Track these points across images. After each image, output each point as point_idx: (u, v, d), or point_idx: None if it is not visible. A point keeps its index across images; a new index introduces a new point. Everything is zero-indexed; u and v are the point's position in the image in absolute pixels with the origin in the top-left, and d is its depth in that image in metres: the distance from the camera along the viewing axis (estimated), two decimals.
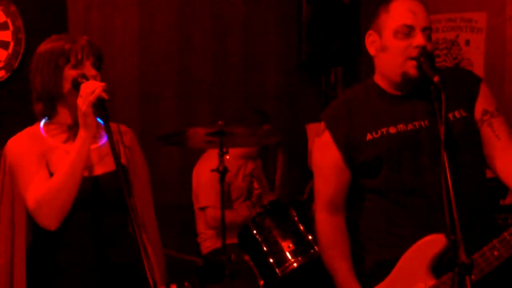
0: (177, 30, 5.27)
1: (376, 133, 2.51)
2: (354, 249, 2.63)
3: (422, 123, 2.47)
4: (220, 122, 3.89)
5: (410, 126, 2.48)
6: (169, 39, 5.24)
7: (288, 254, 3.61)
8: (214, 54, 5.49)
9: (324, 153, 2.61)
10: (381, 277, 2.51)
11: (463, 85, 2.55)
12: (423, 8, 2.49)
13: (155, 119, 5.13)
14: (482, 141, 2.52)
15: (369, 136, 2.52)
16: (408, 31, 2.44)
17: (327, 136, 2.59)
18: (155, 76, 5.17)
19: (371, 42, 2.54)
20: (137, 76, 5.09)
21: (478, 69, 5.37)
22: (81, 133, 2.42)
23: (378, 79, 2.57)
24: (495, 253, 2.30)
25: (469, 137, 2.48)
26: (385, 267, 2.49)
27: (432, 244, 2.39)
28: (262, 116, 4.61)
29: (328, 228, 2.65)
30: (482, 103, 2.52)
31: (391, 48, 2.47)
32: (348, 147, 2.55)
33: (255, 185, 4.58)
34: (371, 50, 2.55)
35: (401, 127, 2.49)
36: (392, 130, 2.50)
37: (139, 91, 5.09)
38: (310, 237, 3.65)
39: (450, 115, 2.47)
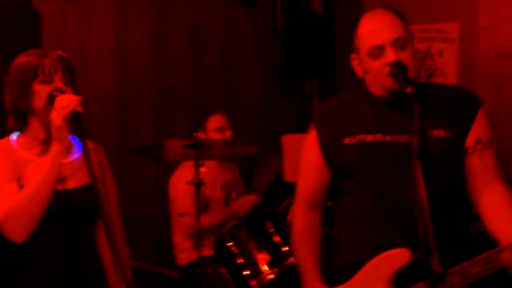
0: (154, 42, 5.27)
1: (354, 139, 2.54)
2: (326, 247, 2.67)
3: (402, 137, 2.48)
4: (195, 134, 3.91)
5: (388, 138, 2.50)
6: (145, 51, 5.23)
7: (264, 265, 3.62)
8: (191, 65, 5.49)
9: (308, 151, 2.68)
10: (343, 280, 2.53)
11: (460, 105, 2.54)
12: (390, 19, 2.50)
13: (132, 131, 5.11)
14: (467, 169, 2.50)
15: (346, 140, 2.55)
16: (378, 51, 2.46)
17: (312, 135, 2.65)
18: (132, 88, 5.16)
19: (357, 65, 2.58)
20: (114, 88, 5.07)
21: (451, 80, 5.42)
22: (55, 146, 2.40)
23: (371, 90, 2.60)
24: (476, 269, 2.31)
25: (448, 157, 2.47)
26: (349, 271, 2.51)
27: (396, 257, 2.39)
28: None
29: (303, 223, 2.71)
30: (477, 131, 2.50)
31: (370, 69, 2.51)
32: (329, 148, 2.60)
33: (233, 195, 4.57)
34: (359, 72, 2.59)
35: (379, 136, 2.51)
36: (369, 138, 2.52)
37: (115, 103, 5.08)
38: (286, 249, 3.66)
39: (435, 132, 2.47)
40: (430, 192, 2.16)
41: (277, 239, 3.72)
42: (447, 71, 5.49)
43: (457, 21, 5.46)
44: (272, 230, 3.75)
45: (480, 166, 2.48)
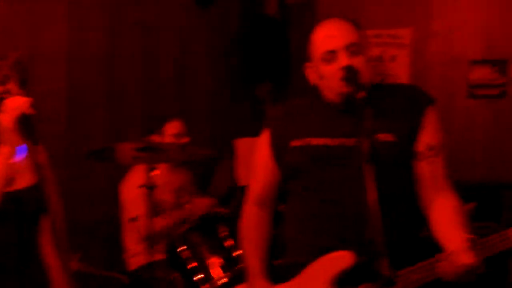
0: (106, 44, 5.21)
1: (300, 141, 2.57)
2: (275, 247, 2.70)
3: (349, 140, 2.49)
4: (151, 137, 3.88)
5: (335, 141, 2.51)
6: (98, 53, 5.17)
7: (216, 270, 3.61)
8: (144, 68, 5.45)
9: (259, 151, 2.72)
10: (287, 279, 2.56)
11: (409, 105, 2.54)
12: (343, 26, 2.53)
13: (83, 134, 5.05)
14: (416, 175, 2.51)
15: (293, 143, 2.58)
16: (331, 56, 2.48)
17: (264, 136, 2.69)
18: (84, 90, 5.10)
19: (311, 73, 2.60)
20: (65, 91, 5.00)
21: None
22: (4, 148, 2.40)
23: (325, 96, 2.61)
24: (416, 276, 2.32)
25: (395, 161, 2.48)
26: (294, 271, 2.53)
27: (340, 259, 2.41)
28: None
29: (251, 220, 2.74)
30: (427, 136, 2.50)
31: (324, 75, 2.52)
32: (278, 149, 2.64)
33: (185, 198, 4.55)
34: (312, 80, 2.60)
35: (326, 140, 2.53)
36: (315, 141, 2.54)
37: (67, 105, 5.01)
38: (238, 253, 3.65)
39: (382, 136, 2.47)
40: (377, 195, 2.18)
41: (229, 243, 3.71)
42: (399, 76, 5.56)
43: (409, 26, 5.54)
44: (225, 234, 3.74)
45: (429, 173, 2.49)
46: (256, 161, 2.75)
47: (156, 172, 3.84)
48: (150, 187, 3.75)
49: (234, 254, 3.67)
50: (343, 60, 2.46)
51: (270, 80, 6.03)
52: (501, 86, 5.09)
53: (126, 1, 5.31)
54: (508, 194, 4.72)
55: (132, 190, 4.23)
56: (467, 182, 4.82)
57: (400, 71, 5.56)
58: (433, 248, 2.40)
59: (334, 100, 2.54)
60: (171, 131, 4.44)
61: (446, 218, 2.43)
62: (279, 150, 2.64)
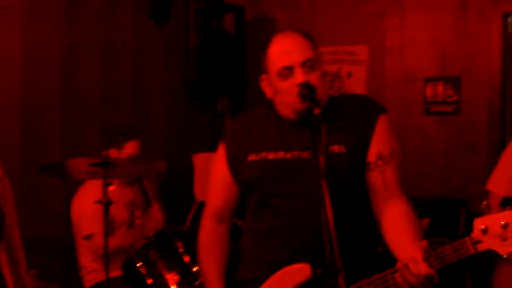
0: (63, 56, 5.14)
1: (257, 156, 2.56)
2: (233, 262, 2.70)
3: (303, 153, 2.50)
4: (104, 152, 3.84)
5: (289, 155, 2.51)
6: (54, 65, 5.10)
7: (173, 286, 3.59)
8: (101, 81, 5.40)
9: (216, 165, 2.70)
10: None
11: (360, 116, 2.54)
12: (299, 41, 2.52)
13: (38, 148, 4.98)
14: (369, 185, 2.52)
15: (250, 157, 2.58)
16: (287, 71, 2.48)
17: (221, 150, 2.68)
18: (40, 103, 5.02)
19: (266, 86, 2.59)
20: (20, 103, 4.92)
21: None
22: None
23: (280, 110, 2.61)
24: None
25: (348, 173, 2.49)
26: (253, 285, 2.53)
27: (296, 273, 2.41)
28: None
29: (209, 235, 2.73)
30: (378, 144, 2.50)
31: (280, 90, 2.52)
32: (234, 164, 2.63)
33: (137, 213, 4.51)
34: (268, 93, 2.60)
35: (280, 154, 2.53)
36: (271, 156, 2.54)
37: (21, 118, 4.93)
38: (195, 269, 3.64)
39: (335, 147, 2.48)
40: (332, 209, 2.18)
41: (187, 259, 3.70)
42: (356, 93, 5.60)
43: (365, 43, 5.60)
44: (182, 250, 3.73)
45: (381, 182, 2.49)
46: (213, 175, 2.73)
47: (112, 188, 3.80)
48: (106, 203, 3.71)
49: (192, 270, 3.66)
50: (300, 76, 2.45)
51: (228, 94, 6.03)
52: (455, 103, 5.16)
53: (83, 16, 5.26)
54: (464, 210, 4.78)
55: (86, 207, 4.18)
56: (423, 198, 4.88)
57: (357, 88, 5.61)
58: (390, 261, 2.40)
59: (289, 115, 2.55)
60: (130, 151, 4.38)
61: (398, 226, 2.44)
62: (235, 165, 2.63)
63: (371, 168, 2.50)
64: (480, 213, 4.02)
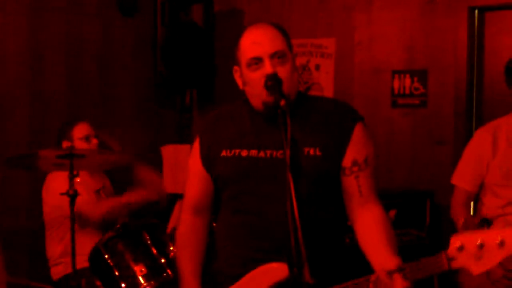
0: (28, 50, 5.11)
1: (230, 152, 2.57)
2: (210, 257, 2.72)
3: (275, 152, 2.51)
4: (70, 144, 3.83)
5: (261, 153, 2.53)
6: (19, 59, 5.07)
7: (140, 278, 3.58)
8: (67, 74, 5.37)
9: (192, 158, 2.71)
10: None
11: (337, 122, 2.55)
12: (270, 33, 2.53)
13: (4, 140, 4.95)
14: (343, 190, 2.54)
15: (223, 153, 2.59)
16: (257, 62, 2.49)
17: (196, 144, 2.69)
18: (5, 97, 4.99)
19: (238, 77, 2.60)
20: None
21: (328, 94, 5.57)
22: None
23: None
24: None
25: (319, 176, 2.50)
26: (227, 282, 2.56)
27: (274, 271, 2.42)
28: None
29: (187, 229, 2.75)
30: (354, 151, 2.52)
31: (249, 81, 2.53)
32: (208, 159, 2.64)
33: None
34: (240, 84, 2.61)
35: (253, 152, 2.54)
36: (244, 153, 2.55)
37: None
38: (163, 261, 3.64)
39: (307, 150, 2.48)
40: (300, 207, 2.18)
41: (154, 251, 3.69)
42: (324, 85, 5.64)
43: (333, 36, 5.63)
44: (149, 242, 3.72)
45: (355, 188, 2.52)
46: (189, 169, 2.74)
47: (78, 179, 3.79)
48: (73, 195, 3.69)
49: (159, 262, 3.66)
50: (268, 67, 2.46)
51: (196, 87, 6.03)
52: (422, 95, 5.22)
53: (47, 8, 5.22)
54: (430, 201, 4.83)
55: (54, 198, 4.16)
56: (390, 190, 4.92)
57: (325, 80, 5.64)
58: (357, 253, 2.45)
59: (259, 107, 2.55)
60: (79, 135, 4.38)
61: (373, 234, 2.45)
62: (209, 160, 2.64)
63: (346, 173, 2.52)
64: (447, 206, 4.10)
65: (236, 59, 2.59)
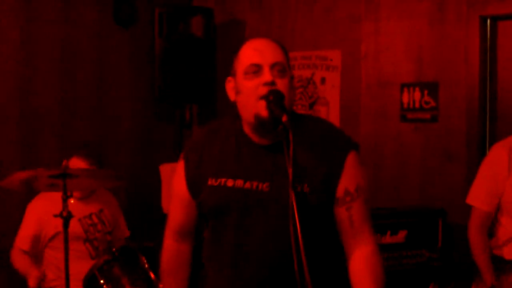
0: (20, 62, 5.10)
1: (216, 181, 2.54)
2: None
3: (261, 184, 2.48)
4: (64, 163, 3.79)
5: (247, 184, 2.49)
6: (10, 72, 5.06)
7: None
8: (61, 89, 5.36)
9: (176, 182, 2.67)
10: None
11: (329, 153, 2.52)
12: (272, 45, 2.52)
13: None
14: (336, 220, 2.53)
15: (209, 181, 2.55)
16: (255, 69, 2.46)
17: (180, 166, 2.64)
18: None
19: (231, 88, 2.57)
20: None
21: (334, 108, 5.54)
22: None
23: (244, 124, 2.58)
24: None
25: (314, 211, 2.48)
26: None
27: None
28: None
29: (171, 255, 2.74)
30: (345, 181, 2.50)
31: (243, 89, 2.49)
32: (193, 184, 2.60)
33: (99, 227, 4.46)
34: (231, 96, 2.57)
35: (238, 182, 2.51)
36: (230, 183, 2.51)
37: None
38: (161, 286, 3.61)
39: (298, 187, 2.44)
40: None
41: (152, 275, 3.67)
42: (330, 100, 5.62)
43: (339, 48, 5.61)
44: (147, 266, 3.70)
45: (347, 220, 2.50)
46: (173, 192, 2.70)
47: (71, 200, 3.76)
48: (66, 218, 3.66)
49: (159, 286, 3.63)
50: (267, 76, 2.44)
51: (196, 101, 6.01)
52: (433, 109, 5.18)
53: (41, 19, 5.22)
54: (442, 221, 4.79)
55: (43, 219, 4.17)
56: (400, 209, 4.88)
57: (330, 94, 5.62)
58: None
59: (249, 119, 2.50)
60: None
61: (361, 275, 2.47)
62: (194, 186, 2.60)
63: (338, 204, 2.51)
64: (460, 226, 4.06)
65: (233, 69, 2.56)
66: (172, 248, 2.73)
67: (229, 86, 2.58)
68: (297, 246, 2.19)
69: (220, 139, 2.60)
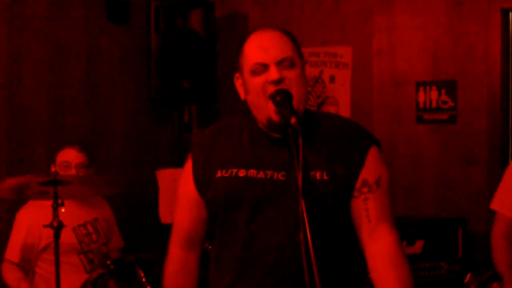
0: (6, 60, 5.08)
1: (226, 172, 2.52)
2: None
3: (276, 174, 2.47)
4: (53, 169, 3.76)
5: (260, 174, 2.49)
6: (1, 70, 5.04)
7: None
8: (51, 89, 5.34)
9: (183, 183, 2.65)
10: None
11: (349, 147, 2.53)
12: (278, 38, 2.51)
13: None
14: (352, 214, 2.50)
15: (219, 174, 2.53)
16: (262, 68, 2.47)
17: (188, 165, 2.63)
18: None
19: (240, 85, 2.58)
20: None
21: (344, 108, 5.53)
22: None
23: (257, 120, 2.58)
24: None
25: (333, 202, 2.47)
26: None
27: None
28: None
29: (176, 265, 2.69)
30: (365, 173, 2.50)
31: (251, 88, 2.50)
32: (202, 181, 2.58)
33: (94, 237, 4.43)
34: (241, 94, 2.58)
35: (251, 172, 2.50)
36: (241, 173, 2.50)
37: None
38: None
39: (313, 173, 2.45)
40: (313, 239, 2.18)
41: None
42: (340, 99, 5.60)
43: (349, 45, 5.59)
44: (144, 279, 3.69)
45: (363, 212, 2.48)
46: (179, 194, 2.68)
47: (63, 209, 3.72)
48: (57, 228, 3.62)
49: None
50: (274, 74, 2.44)
51: (196, 102, 5.99)
52: (451, 110, 5.16)
53: (29, 16, 5.20)
54: (463, 230, 4.77)
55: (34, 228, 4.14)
56: (416, 217, 4.86)
57: (340, 93, 5.60)
58: None
59: (262, 120, 2.52)
60: (62, 158, 4.32)
61: (382, 272, 2.43)
62: (203, 182, 2.58)
63: (355, 195, 2.48)
64: (482, 235, 4.05)
65: (239, 65, 2.57)
66: (179, 258, 2.68)
67: (238, 83, 2.59)
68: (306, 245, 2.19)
69: (230, 132, 2.62)
